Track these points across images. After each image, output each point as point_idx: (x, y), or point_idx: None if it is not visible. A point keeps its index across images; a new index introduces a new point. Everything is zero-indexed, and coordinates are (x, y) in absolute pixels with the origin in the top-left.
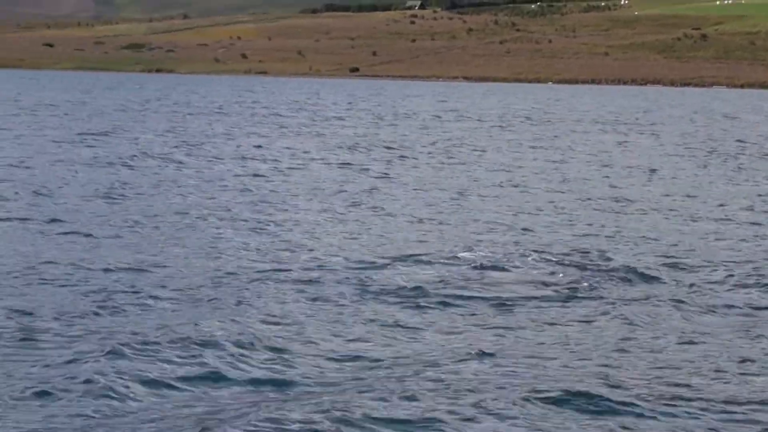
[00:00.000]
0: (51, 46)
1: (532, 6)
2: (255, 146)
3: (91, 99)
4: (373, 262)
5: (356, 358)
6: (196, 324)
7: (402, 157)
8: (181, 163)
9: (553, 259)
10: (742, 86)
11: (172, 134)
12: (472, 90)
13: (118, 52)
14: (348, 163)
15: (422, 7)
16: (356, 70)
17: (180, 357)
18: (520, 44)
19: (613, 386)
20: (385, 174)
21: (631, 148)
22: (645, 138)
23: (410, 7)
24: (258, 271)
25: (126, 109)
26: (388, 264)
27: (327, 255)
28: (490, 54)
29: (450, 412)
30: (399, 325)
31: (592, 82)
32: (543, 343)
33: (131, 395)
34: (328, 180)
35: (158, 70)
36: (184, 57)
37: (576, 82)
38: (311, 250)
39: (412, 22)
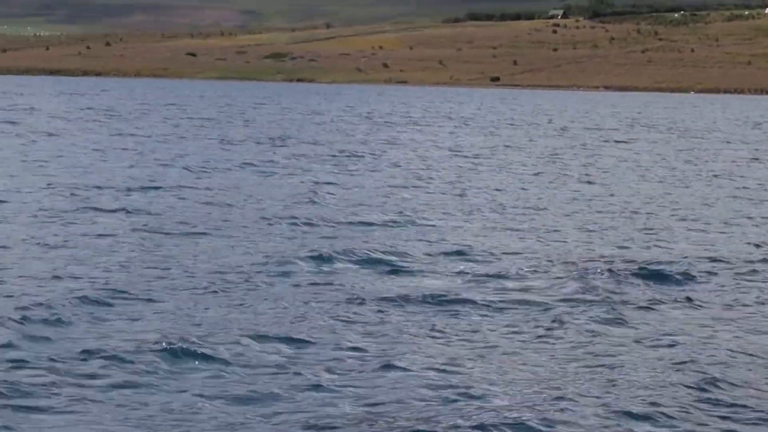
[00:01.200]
0: (194, 55)
1: (675, 15)
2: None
3: (270, 107)
4: None
5: None
6: None
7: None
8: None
9: None
10: None
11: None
12: (633, 100)
13: (260, 61)
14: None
15: (565, 16)
16: (497, 79)
17: None
18: (662, 53)
19: None
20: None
21: None
22: None
23: (553, 16)
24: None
25: (320, 121)
26: None
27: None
28: (631, 63)
29: None
30: None
31: (735, 91)
32: None
33: None
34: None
35: (299, 80)
36: (326, 66)
37: (718, 91)
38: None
39: (554, 31)
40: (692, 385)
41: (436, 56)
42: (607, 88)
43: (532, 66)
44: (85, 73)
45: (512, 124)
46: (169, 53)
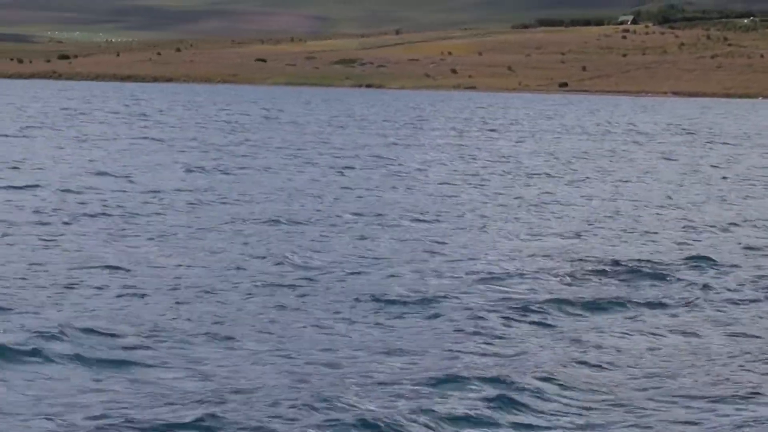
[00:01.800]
0: (264, 61)
1: (745, 21)
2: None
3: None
4: None
5: None
6: None
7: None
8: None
9: None
10: None
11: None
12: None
13: (329, 67)
14: None
15: (634, 21)
16: (565, 85)
17: None
18: (731, 59)
19: None
20: None
21: None
22: None
23: (622, 22)
24: None
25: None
26: None
27: None
28: (700, 69)
29: None
30: None
31: None
32: None
33: None
34: None
35: (368, 86)
36: (395, 72)
37: None
38: None
39: (624, 37)
40: None
41: (505, 62)
42: (675, 93)
43: (601, 72)
44: (155, 79)
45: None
46: (239, 59)
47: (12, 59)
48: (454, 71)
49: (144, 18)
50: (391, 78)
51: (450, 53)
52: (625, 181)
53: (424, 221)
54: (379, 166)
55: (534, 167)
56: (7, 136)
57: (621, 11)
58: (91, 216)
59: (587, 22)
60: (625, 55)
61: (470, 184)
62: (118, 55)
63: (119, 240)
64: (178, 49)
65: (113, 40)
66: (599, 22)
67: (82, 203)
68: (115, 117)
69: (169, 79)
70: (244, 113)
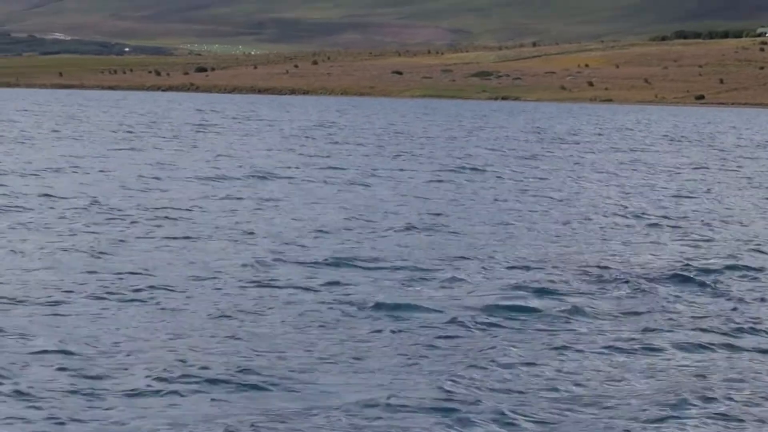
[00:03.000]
0: (400, 73)
1: None
2: None
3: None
4: None
5: None
6: None
7: None
8: None
9: None
10: None
11: None
12: None
13: (465, 79)
14: None
15: None
16: (702, 97)
17: None
18: None
19: None
20: None
21: None
22: None
23: (761, 34)
24: None
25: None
26: None
27: None
28: None
29: None
30: None
31: None
32: None
33: None
34: None
35: (504, 98)
36: (531, 84)
37: None
38: None
39: (762, 49)
40: None
41: (642, 74)
42: None
43: (738, 84)
44: (292, 92)
45: None
46: (376, 71)
47: (151, 72)
48: (590, 83)
49: (282, 30)
50: (527, 90)
51: (587, 65)
52: None
53: None
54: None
55: None
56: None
57: (759, 23)
58: None
59: (725, 35)
60: (762, 68)
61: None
62: (255, 67)
63: None
64: (315, 62)
65: (251, 53)
66: (737, 35)
67: None
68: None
69: (306, 92)
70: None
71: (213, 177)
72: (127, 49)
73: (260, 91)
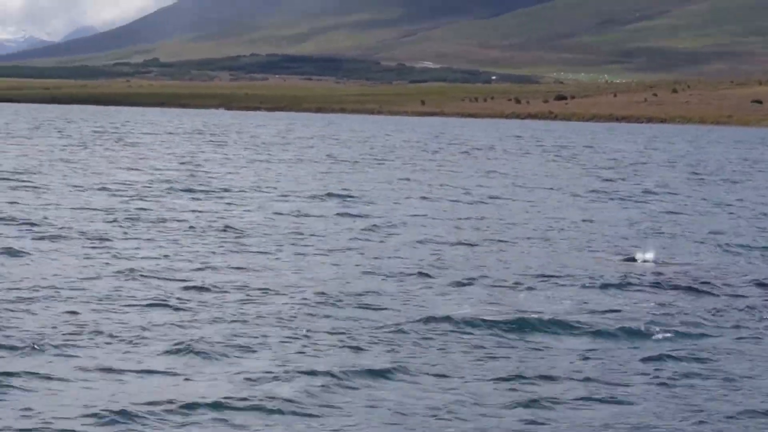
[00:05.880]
0: (759, 102)
1: None
2: None
3: None
4: None
5: None
6: None
7: None
8: None
9: None
10: None
11: None
12: None
13: None
14: None
15: None
16: None
17: None
18: None
19: None
20: None
21: None
22: None
23: None
24: None
25: None
26: None
27: None
28: None
29: None
30: None
31: None
32: None
33: None
34: None
35: None
36: None
37: None
38: None
39: None
40: None
41: None
42: None
43: None
44: (650, 120)
45: None
46: (736, 100)
47: (511, 99)
48: None
49: (649, 59)
50: None
51: None
52: None
53: None
54: None
55: None
56: None
57: None
58: None
59: None
60: None
61: None
62: (615, 95)
63: None
64: (675, 90)
65: (614, 81)
66: None
67: None
68: None
69: (663, 120)
70: None
71: None
72: (494, 78)
73: (618, 119)
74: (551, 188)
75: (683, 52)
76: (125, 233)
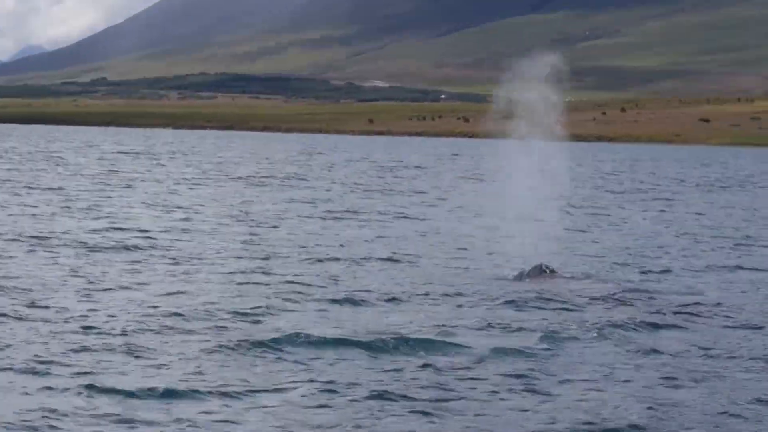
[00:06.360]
0: (707, 121)
1: None
2: None
3: None
4: None
5: None
6: None
7: None
8: None
9: None
10: None
11: None
12: None
13: None
14: None
15: None
16: None
17: None
18: None
19: None
20: None
21: None
22: None
23: None
24: None
25: None
26: None
27: None
28: None
29: None
30: None
31: None
32: None
33: None
34: None
35: None
36: None
37: None
38: None
39: None
40: None
41: None
42: None
43: None
44: (598, 139)
45: None
46: (683, 119)
47: (459, 118)
48: None
49: (600, 78)
50: None
51: None
52: None
53: None
54: None
55: None
56: None
57: None
58: None
59: None
60: None
61: None
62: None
63: None
64: (623, 109)
65: (564, 100)
66: None
67: None
68: None
69: (611, 139)
70: None
71: None
72: (443, 96)
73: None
74: (458, 207)
75: (636, 71)
76: None
